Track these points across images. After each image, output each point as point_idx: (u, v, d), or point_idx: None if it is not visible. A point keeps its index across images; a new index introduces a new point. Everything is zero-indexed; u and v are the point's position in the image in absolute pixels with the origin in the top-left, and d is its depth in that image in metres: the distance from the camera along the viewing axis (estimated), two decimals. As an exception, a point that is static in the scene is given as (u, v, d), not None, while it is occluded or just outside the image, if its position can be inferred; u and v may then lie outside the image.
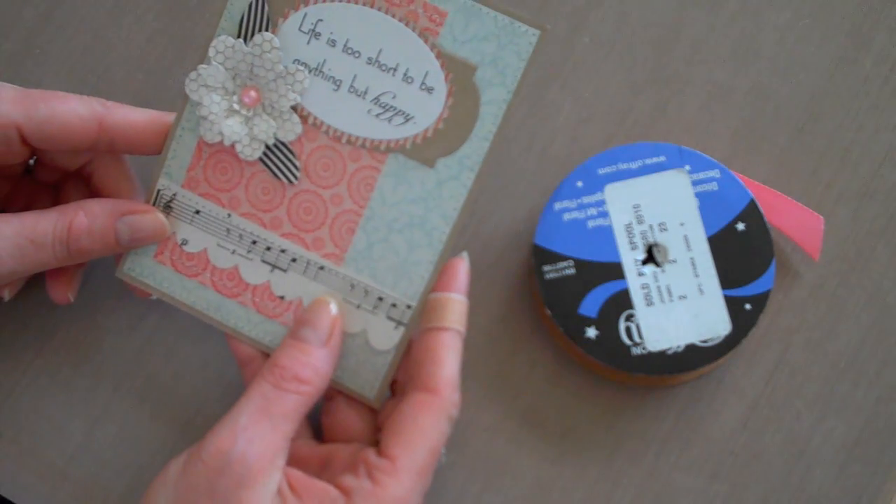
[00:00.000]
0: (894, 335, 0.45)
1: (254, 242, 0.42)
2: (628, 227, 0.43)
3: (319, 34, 0.41)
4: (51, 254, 0.40)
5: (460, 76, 0.40)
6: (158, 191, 0.43)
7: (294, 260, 0.42)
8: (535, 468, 0.45)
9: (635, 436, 0.45)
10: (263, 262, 0.42)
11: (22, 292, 0.44)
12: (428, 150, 0.40)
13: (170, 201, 0.42)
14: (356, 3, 0.40)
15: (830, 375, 0.45)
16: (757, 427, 0.45)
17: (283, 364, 0.39)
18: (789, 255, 0.46)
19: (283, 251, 0.42)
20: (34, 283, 0.45)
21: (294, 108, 0.41)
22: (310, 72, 0.41)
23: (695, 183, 0.43)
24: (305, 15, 0.41)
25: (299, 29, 0.41)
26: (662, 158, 0.43)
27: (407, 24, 0.40)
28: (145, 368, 0.46)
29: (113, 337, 0.47)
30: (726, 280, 0.43)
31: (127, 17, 0.49)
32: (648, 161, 0.43)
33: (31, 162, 0.45)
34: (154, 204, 0.43)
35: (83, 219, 0.41)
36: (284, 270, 0.42)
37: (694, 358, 0.42)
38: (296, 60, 0.41)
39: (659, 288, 0.43)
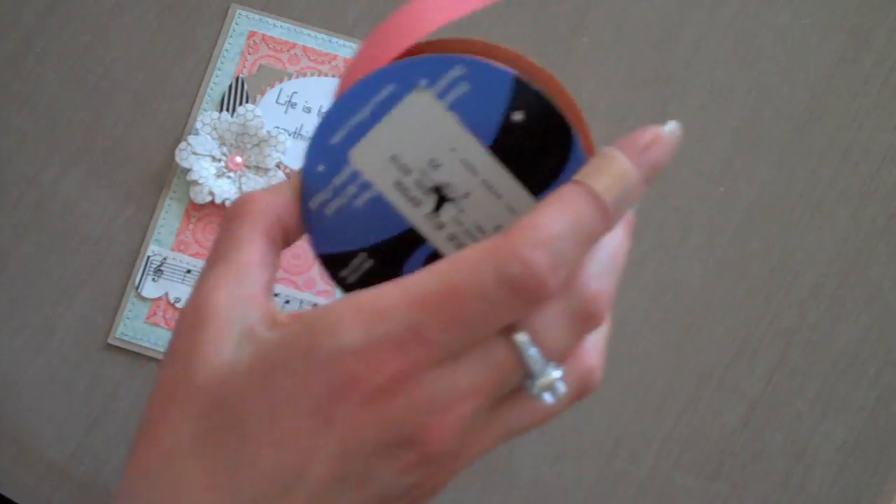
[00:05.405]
0: (894, 335, 0.45)
1: None
2: (398, 185, 0.34)
3: (295, 104, 0.47)
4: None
5: None
6: (148, 257, 0.46)
7: (287, 302, 0.45)
8: (535, 468, 0.45)
9: (635, 436, 0.45)
10: None
11: (21, 291, 0.44)
12: None
13: (160, 265, 0.46)
14: (325, 76, 0.48)
15: (830, 375, 0.45)
16: (757, 427, 0.45)
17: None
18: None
19: (275, 295, 0.45)
20: (33, 282, 0.45)
21: (278, 165, 0.47)
22: (289, 135, 0.47)
23: (440, 95, 0.33)
24: (281, 90, 0.48)
25: (276, 101, 0.48)
26: (391, 87, 0.33)
27: None
28: (145, 368, 0.46)
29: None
30: (532, 183, 0.33)
31: (127, 17, 0.49)
32: (377, 99, 0.33)
33: None
34: (144, 268, 0.46)
35: None
36: None
37: None
38: (276, 127, 0.47)
39: (468, 230, 0.34)
